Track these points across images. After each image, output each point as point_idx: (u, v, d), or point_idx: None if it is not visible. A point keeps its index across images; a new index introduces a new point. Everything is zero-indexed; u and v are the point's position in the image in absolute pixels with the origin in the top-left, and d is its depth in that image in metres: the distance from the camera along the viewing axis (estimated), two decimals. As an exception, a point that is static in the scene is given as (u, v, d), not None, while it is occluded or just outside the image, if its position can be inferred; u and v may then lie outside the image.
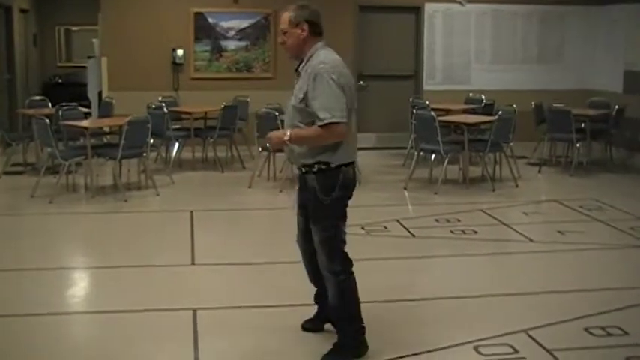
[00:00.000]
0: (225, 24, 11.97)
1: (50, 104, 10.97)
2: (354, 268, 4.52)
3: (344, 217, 4.42)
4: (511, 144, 9.71)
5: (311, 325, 4.90)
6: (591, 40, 12.87)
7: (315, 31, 4.39)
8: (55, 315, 5.28)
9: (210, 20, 11.92)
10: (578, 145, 10.20)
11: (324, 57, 4.31)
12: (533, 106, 10.93)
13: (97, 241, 7.29)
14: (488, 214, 7.95)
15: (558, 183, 9.87)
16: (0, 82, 12.08)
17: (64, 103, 10.20)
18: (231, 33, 11.95)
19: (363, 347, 4.52)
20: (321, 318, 4.85)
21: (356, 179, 4.47)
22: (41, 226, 7.81)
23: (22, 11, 14.17)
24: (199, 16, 11.91)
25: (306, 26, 4.36)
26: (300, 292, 5.13)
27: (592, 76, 12.77)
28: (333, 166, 4.27)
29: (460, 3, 12.43)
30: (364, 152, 11.81)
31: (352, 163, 4.40)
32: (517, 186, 9.36)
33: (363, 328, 4.55)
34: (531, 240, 7.05)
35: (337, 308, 4.52)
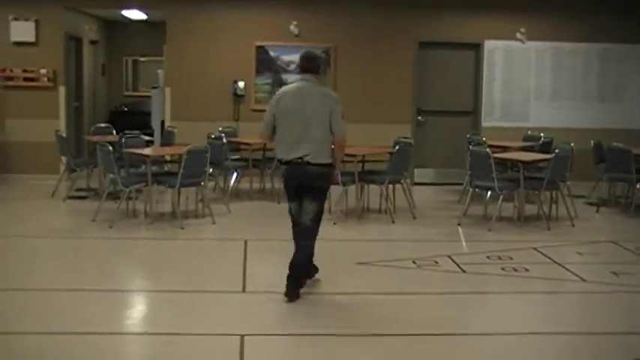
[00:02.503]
0: (286, 57, 12.19)
1: (115, 132, 11.30)
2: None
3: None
4: (568, 182, 9.63)
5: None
6: (652, 80, 12.73)
7: (301, 68, 6.25)
8: (111, 335, 5.46)
9: (271, 53, 12.16)
10: (638, 185, 10.04)
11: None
12: (592, 144, 10.83)
13: (153, 265, 7.48)
14: (541, 253, 7.89)
15: (616, 224, 9.73)
16: (68, 110, 12.49)
17: (127, 131, 10.49)
18: (292, 66, 12.15)
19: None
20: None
21: (289, 175, 6.14)
22: (101, 249, 8.05)
23: (92, 42, 14.65)
24: (261, 50, 12.16)
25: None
26: (350, 322, 5.18)
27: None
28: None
29: (520, 40, 12.44)
30: (421, 187, 11.89)
31: (286, 162, 6.08)
32: (573, 225, 9.26)
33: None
34: (584, 280, 6.98)
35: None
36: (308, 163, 6.00)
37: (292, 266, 6.13)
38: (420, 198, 10.60)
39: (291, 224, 6.37)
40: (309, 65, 6.16)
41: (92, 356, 5.01)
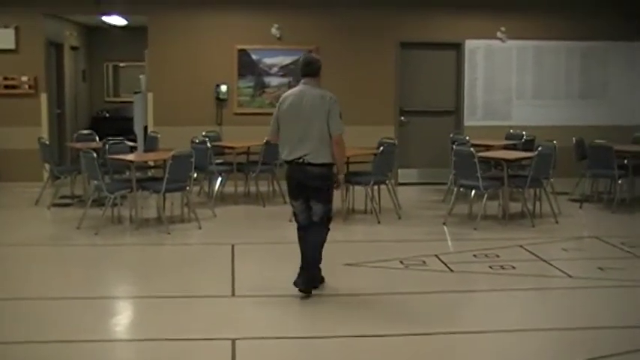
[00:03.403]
0: (268, 60, 12.20)
1: (97, 138, 11.26)
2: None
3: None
4: (551, 180, 9.70)
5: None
6: (634, 76, 12.84)
7: (300, 73, 6.44)
8: (99, 342, 5.42)
9: (253, 57, 12.17)
10: (620, 181, 10.14)
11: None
12: (574, 141, 10.91)
13: (140, 271, 7.46)
14: (527, 250, 7.95)
15: (600, 219, 9.81)
16: (50, 117, 12.43)
17: (110, 137, 10.45)
18: (274, 69, 12.17)
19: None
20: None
21: (291, 175, 6.32)
22: (87, 256, 8.02)
23: (73, 48, 14.58)
24: (243, 53, 12.16)
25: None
26: (341, 324, 5.18)
27: (635, 112, 12.71)
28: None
29: (501, 39, 12.51)
30: (405, 187, 11.93)
31: (288, 162, 6.28)
32: (557, 222, 9.33)
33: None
34: (570, 276, 7.03)
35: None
36: (308, 164, 6.18)
37: (304, 263, 6.33)
38: (404, 198, 10.64)
39: (297, 227, 6.48)
40: (307, 69, 6.36)
41: (83, 364, 5.00)
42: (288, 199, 6.72)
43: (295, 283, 6.27)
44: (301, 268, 6.33)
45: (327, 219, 6.39)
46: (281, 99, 6.41)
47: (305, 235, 6.37)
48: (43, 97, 12.04)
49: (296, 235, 6.44)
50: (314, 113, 6.19)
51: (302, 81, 6.39)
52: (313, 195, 6.27)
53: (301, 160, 6.19)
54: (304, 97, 6.25)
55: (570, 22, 12.57)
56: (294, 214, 6.52)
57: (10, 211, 10.21)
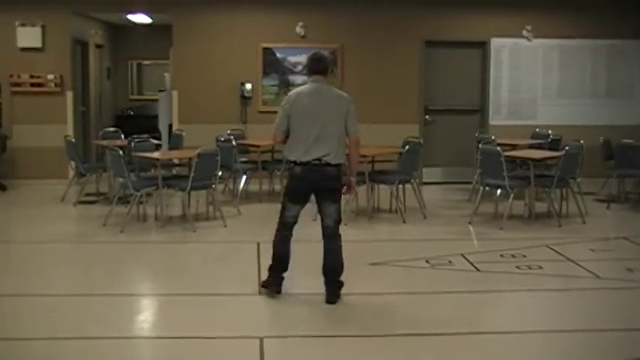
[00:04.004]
0: (292, 59, 12.19)
1: (122, 136, 11.31)
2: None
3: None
4: (578, 180, 9.61)
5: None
6: (662, 75, 12.72)
7: (309, 70, 6.21)
8: (125, 339, 5.45)
9: (278, 55, 12.16)
10: (648, 181, 10.04)
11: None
12: (601, 141, 10.82)
13: (165, 269, 7.48)
14: (554, 250, 7.88)
15: (627, 220, 9.72)
16: (76, 115, 12.49)
17: (135, 135, 10.49)
18: (299, 67, 12.15)
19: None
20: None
21: (306, 176, 6.04)
22: (112, 253, 8.04)
23: (98, 46, 14.65)
24: (268, 51, 12.16)
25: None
26: (367, 323, 5.16)
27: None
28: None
29: (527, 38, 12.42)
30: (429, 186, 11.87)
31: (302, 163, 6.00)
32: (584, 222, 9.24)
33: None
34: (599, 277, 6.96)
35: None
36: (327, 164, 5.97)
37: (326, 271, 6.14)
38: (429, 197, 10.59)
39: (279, 228, 6.24)
40: (318, 66, 6.15)
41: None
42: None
43: (266, 284, 6.17)
44: (271, 269, 6.17)
45: (340, 220, 6.21)
46: (291, 98, 6.12)
47: (329, 246, 6.12)
48: (69, 95, 12.10)
49: (320, 234, 6.18)
50: (333, 113, 6.03)
51: (312, 78, 6.13)
52: (328, 196, 6.05)
53: (319, 161, 5.97)
54: (321, 96, 6.06)
55: (596, 20, 12.44)
56: (286, 217, 6.19)
57: (36, 209, 10.27)
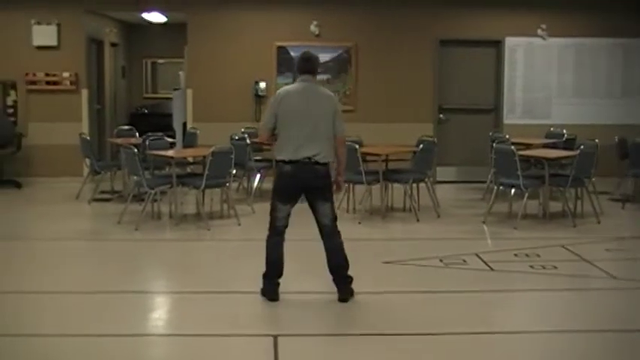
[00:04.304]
0: (307, 57, 12.16)
1: (137, 134, 11.35)
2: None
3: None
4: (593, 179, 9.57)
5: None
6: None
7: (299, 69, 6.22)
8: (138, 336, 5.49)
9: (292, 53, 12.15)
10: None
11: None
12: (616, 140, 10.76)
13: (179, 267, 7.51)
14: (568, 250, 7.85)
15: (642, 220, 9.69)
16: (91, 113, 12.55)
17: (150, 133, 10.52)
18: (313, 66, 12.12)
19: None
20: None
21: (296, 175, 5.99)
22: (126, 251, 8.08)
23: (112, 45, 14.70)
24: (282, 50, 12.17)
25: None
26: (381, 321, 5.16)
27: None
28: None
29: (542, 37, 12.37)
30: (443, 185, 11.85)
31: (292, 161, 5.96)
32: (599, 222, 9.20)
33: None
34: (614, 277, 6.93)
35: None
36: (317, 163, 5.96)
37: (332, 269, 6.14)
38: (442, 196, 10.57)
39: (270, 233, 6.22)
40: (307, 66, 6.14)
41: (121, 358, 5.04)
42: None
43: (262, 293, 6.13)
44: (265, 276, 6.14)
45: (335, 218, 6.18)
46: (279, 96, 6.11)
47: (329, 244, 6.13)
48: (84, 93, 12.17)
49: (318, 235, 6.18)
50: (322, 112, 6.03)
51: (301, 77, 6.15)
52: (320, 195, 6.04)
53: (309, 160, 5.95)
54: (310, 95, 6.06)
55: (612, 19, 12.37)
56: (276, 219, 6.15)
57: (51, 206, 10.33)
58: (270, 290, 6.12)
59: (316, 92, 6.12)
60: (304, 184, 6.03)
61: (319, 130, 6.00)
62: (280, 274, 6.15)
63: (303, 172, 5.98)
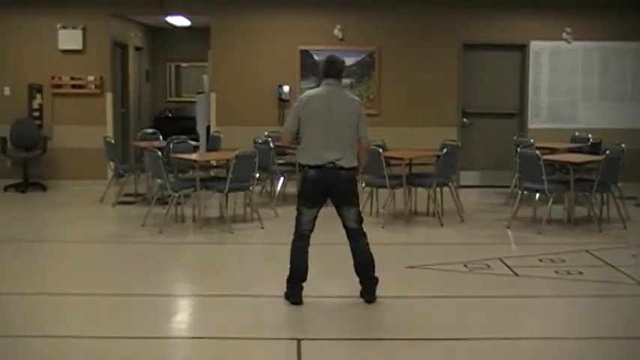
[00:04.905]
0: (330, 61, 12.15)
1: (161, 137, 11.40)
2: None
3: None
4: (619, 184, 9.48)
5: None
6: None
7: (323, 73, 6.17)
8: (160, 339, 5.50)
9: (315, 57, 12.16)
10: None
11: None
12: (643, 145, 10.67)
13: (202, 270, 7.53)
14: (594, 255, 7.78)
15: (670, 225, 9.57)
16: (115, 116, 12.63)
17: (174, 137, 10.56)
18: (337, 70, 12.11)
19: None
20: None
21: (319, 179, 5.99)
22: (150, 254, 8.12)
23: (137, 49, 14.80)
24: (305, 54, 12.18)
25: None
26: (405, 326, 5.14)
27: None
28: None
29: (567, 40, 12.29)
30: (467, 190, 11.79)
31: (316, 166, 5.97)
32: (625, 227, 9.11)
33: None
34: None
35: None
36: (341, 168, 5.94)
37: (358, 269, 6.16)
38: (466, 201, 10.51)
39: (295, 238, 6.19)
40: (332, 70, 6.12)
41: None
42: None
43: (286, 296, 6.13)
44: (289, 280, 6.13)
45: (361, 220, 6.19)
46: (303, 99, 6.08)
47: (355, 244, 6.13)
48: (109, 97, 12.24)
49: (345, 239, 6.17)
50: (346, 117, 6.00)
51: (325, 81, 6.10)
52: (345, 199, 6.04)
53: (332, 165, 5.94)
54: (334, 99, 6.02)
55: (637, 21, 12.26)
56: (301, 224, 6.13)
57: (76, 209, 10.41)
58: (294, 294, 6.11)
59: (340, 96, 6.10)
60: (329, 189, 6.03)
61: (342, 134, 5.98)
62: (304, 279, 6.14)
63: (328, 177, 5.97)
